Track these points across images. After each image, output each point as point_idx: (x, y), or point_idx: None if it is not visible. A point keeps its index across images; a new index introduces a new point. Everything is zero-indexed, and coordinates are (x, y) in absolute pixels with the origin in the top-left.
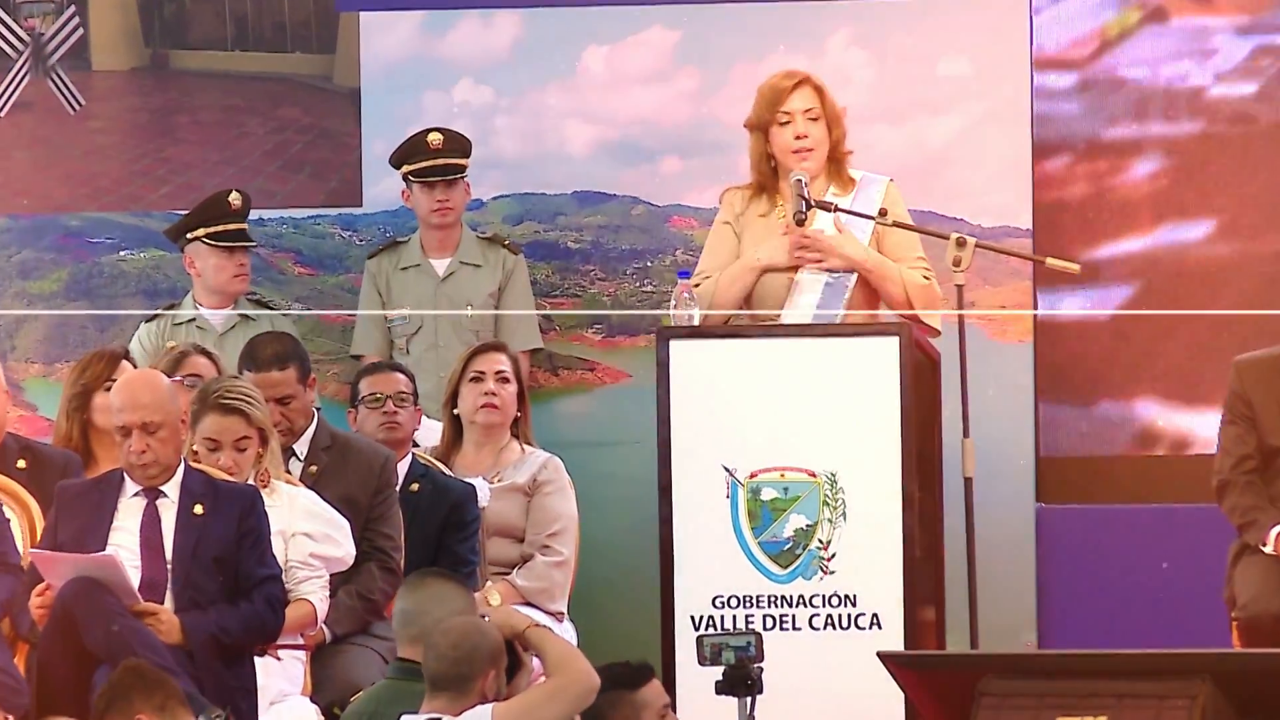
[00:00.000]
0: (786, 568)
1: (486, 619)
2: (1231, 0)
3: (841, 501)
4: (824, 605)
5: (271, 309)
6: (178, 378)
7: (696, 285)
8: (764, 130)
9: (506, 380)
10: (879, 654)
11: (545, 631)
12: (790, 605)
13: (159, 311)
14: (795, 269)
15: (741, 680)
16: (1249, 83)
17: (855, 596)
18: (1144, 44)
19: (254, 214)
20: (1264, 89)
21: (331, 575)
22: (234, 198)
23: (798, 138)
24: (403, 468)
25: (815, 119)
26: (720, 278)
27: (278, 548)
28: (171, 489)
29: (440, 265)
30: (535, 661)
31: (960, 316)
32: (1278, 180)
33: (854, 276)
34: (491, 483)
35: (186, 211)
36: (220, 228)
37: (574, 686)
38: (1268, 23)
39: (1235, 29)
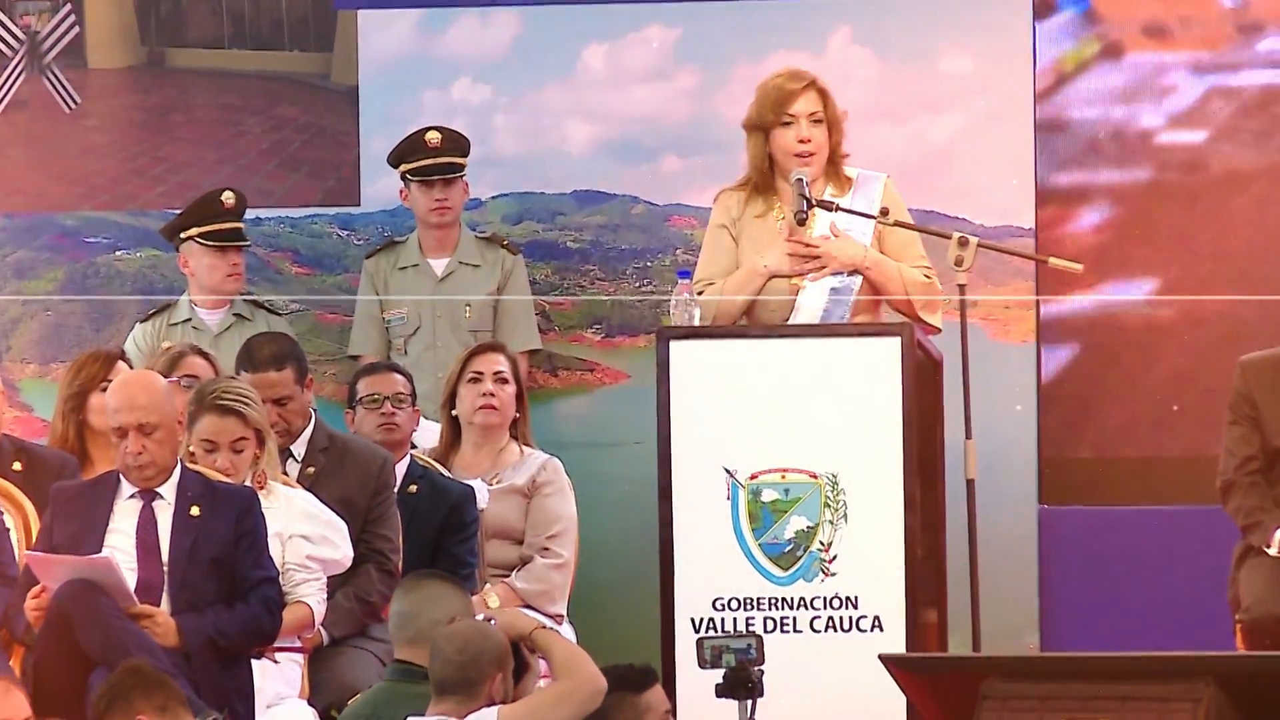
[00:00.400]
0: (787, 570)
1: (493, 622)
2: (1189, 34)
3: (843, 503)
4: (825, 607)
5: (268, 309)
6: (174, 378)
7: (700, 294)
8: (765, 130)
9: (505, 381)
10: (880, 656)
11: (552, 634)
12: (791, 607)
13: (166, 300)
14: (800, 274)
15: (742, 683)
16: (1201, 128)
17: (857, 598)
18: (1097, 81)
19: (251, 213)
20: (1216, 134)
21: (329, 577)
22: (227, 197)
23: (801, 141)
24: (401, 469)
25: (818, 122)
26: (725, 285)
27: (275, 549)
28: (168, 490)
29: (439, 265)
30: (542, 663)
31: (963, 319)
32: (1225, 235)
33: (859, 279)
34: (490, 484)
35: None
36: (213, 227)
37: (582, 689)
38: (1224, 60)
39: (1191, 66)
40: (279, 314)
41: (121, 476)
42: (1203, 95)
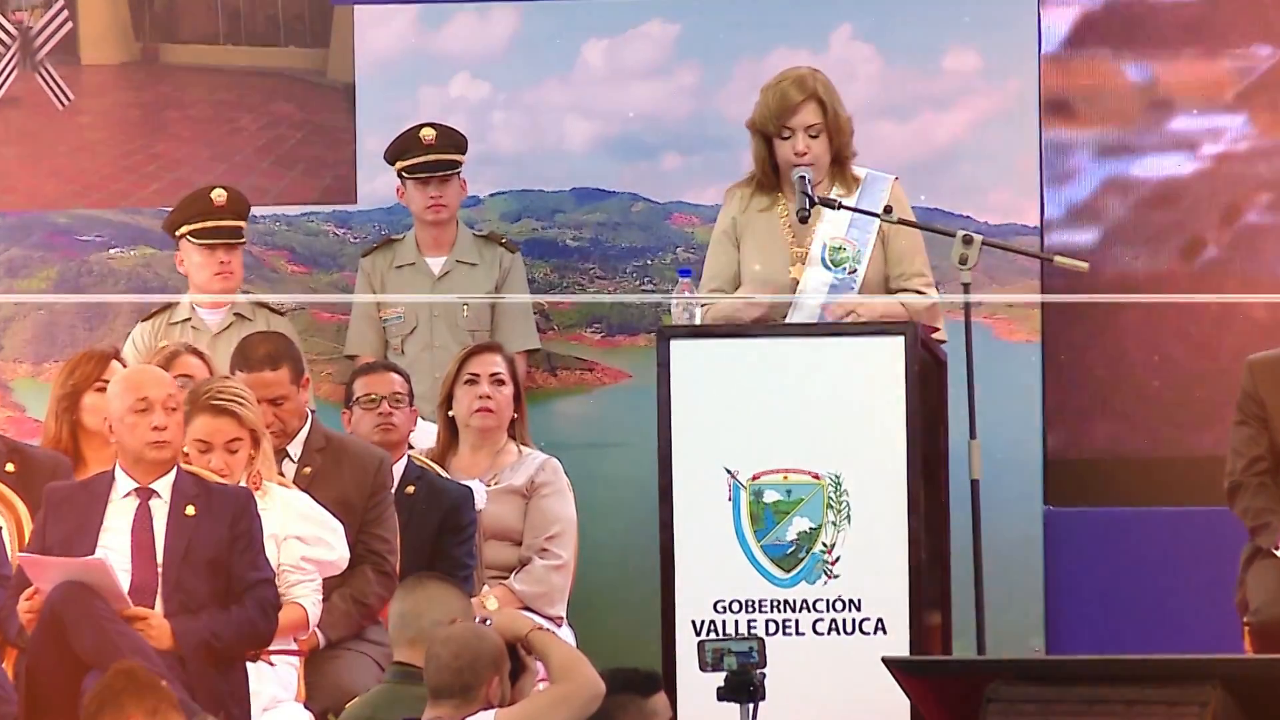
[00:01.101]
0: (789, 571)
1: (490, 623)
2: (1096, 110)
3: (846, 504)
4: (828, 610)
5: (270, 309)
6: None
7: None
8: (766, 137)
9: (502, 382)
10: (884, 659)
11: (549, 636)
12: (793, 610)
13: (167, 299)
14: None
15: (744, 686)
16: (1093, 227)
17: (860, 601)
18: None
19: None
20: (1107, 235)
21: (325, 579)
22: (217, 194)
23: (798, 154)
24: (398, 470)
25: (816, 135)
26: (727, 309)
27: (270, 551)
28: (163, 489)
29: (436, 264)
30: (541, 665)
31: (967, 318)
32: (1110, 356)
33: (859, 279)
34: (488, 485)
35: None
36: (201, 225)
37: (580, 693)
38: (1129, 142)
39: (1096, 149)
40: (280, 313)
41: (116, 476)
42: (1099, 187)
